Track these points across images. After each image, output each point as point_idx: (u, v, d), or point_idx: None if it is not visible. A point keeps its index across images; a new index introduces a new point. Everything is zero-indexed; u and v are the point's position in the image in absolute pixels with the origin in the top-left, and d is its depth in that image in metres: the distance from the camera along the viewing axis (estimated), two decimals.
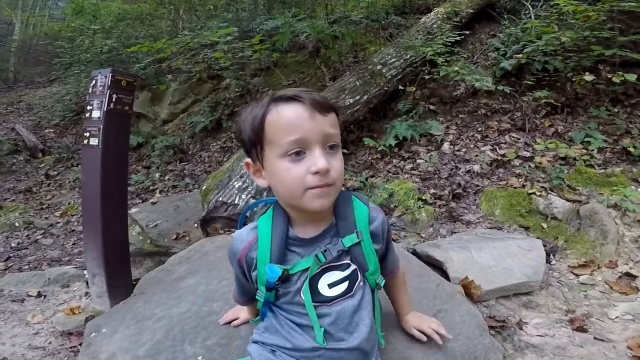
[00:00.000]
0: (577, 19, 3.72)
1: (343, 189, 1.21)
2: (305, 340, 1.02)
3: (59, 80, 10.38)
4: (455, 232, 2.84)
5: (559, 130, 3.57)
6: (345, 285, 1.02)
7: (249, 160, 1.01)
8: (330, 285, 1.01)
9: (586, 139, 3.33)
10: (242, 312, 1.47)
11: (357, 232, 1.01)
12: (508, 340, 1.91)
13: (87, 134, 2.36)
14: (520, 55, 3.90)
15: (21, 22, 14.05)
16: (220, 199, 2.88)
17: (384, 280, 1.12)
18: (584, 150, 3.24)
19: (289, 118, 0.89)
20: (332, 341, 1.01)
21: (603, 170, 3.05)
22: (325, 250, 0.99)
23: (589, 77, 3.39)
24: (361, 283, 1.04)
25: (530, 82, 3.78)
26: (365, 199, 1.09)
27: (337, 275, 1.02)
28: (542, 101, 3.68)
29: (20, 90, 11.37)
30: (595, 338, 1.88)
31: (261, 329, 1.15)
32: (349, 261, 1.02)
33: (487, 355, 1.47)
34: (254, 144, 0.96)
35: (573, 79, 3.60)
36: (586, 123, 3.51)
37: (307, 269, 0.98)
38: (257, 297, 1.08)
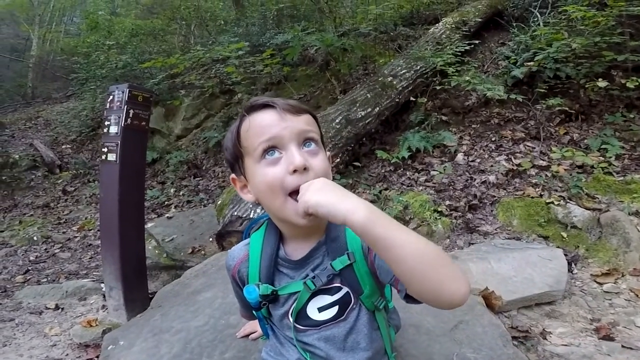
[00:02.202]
0: (587, 24, 3.71)
1: None
2: None
3: (75, 96, 10.57)
4: (472, 243, 2.81)
5: (575, 138, 3.53)
6: (334, 310, 0.96)
7: (234, 175, 0.98)
8: (320, 309, 0.97)
9: (603, 146, 3.28)
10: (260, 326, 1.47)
11: (348, 253, 0.93)
12: (532, 351, 1.87)
13: (105, 150, 2.39)
14: (532, 63, 3.87)
15: (38, 37, 14.42)
16: (236, 213, 2.89)
17: (383, 302, 1.00)
18: (602, 158, 3.19)
19: (259, 122, 0.87)
20: None
21: (622, 178, 2.99)
22: (314, 277, 0.93)
23: (602, 83, 3.35)
24: (354, 306, 0.97)
25: (542, 90, 3.75)
26: None
27: (326, 299, 0.96)
28: (556, 109, 3.65)
29: (38, 106, 11.62)
30: (623, 346, 1.84)
31: (268, 347, 1.14)
32: (340, 284, 0.95)
33: None
34: (235, 158, 0.93)
35: (586, 86, 3.57)
36: (602, 130, 3.47)
37: (296, 292, 0.95)
38: (253, 312, 1.07)
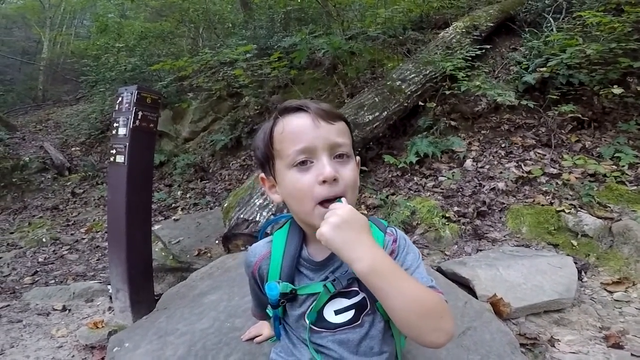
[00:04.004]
0: (602, 30, 3.67)
1: (364, 212, 1.10)
2: None
3: (85, 99, 10.70)
4: (480, 250, 2.78)
5: (587, 146, 3.48)
6: (350, 313, 0.97)
7: (263, 175, 1.00)
8: (337, 312, 0.98)
9: (616, 155, 3.23)
10: (266, 329, 1.45)
11: None
12: (540, 358, 1.85)
13: (114, 151, 2.40)
14: (544, 69, 3.83)
15: (49, 40, 14.58)
16: (242, 216, 2.88)
17: None
18: (614, 166, 3.15)
19: (293, 128, 0.88)
20: None
21: (635, 187, 2.95)
22: (334, 280, 0.94)
23: (617, 90, 3.29)
24: (370, 312, 0.98)
25: (554, 97, 3.70)
26: (382, 225, 1.02)
27: (343, 302, 0.97)
28: (568, 116, 3.59)
29: (48, 109, 11.77)
30: (632, 355, 1.82)
31: (278, 348, 1.14)
32: (357, 288, 0.96)
33: None
34: (267, 159, 0.95)
35: (600, 93, 3.52)
36: (615, 138, 3.41)
37: (315, 294, 0.96)
38: (267, 310, 1.08)
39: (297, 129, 0.88)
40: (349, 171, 0.90)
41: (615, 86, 3.35)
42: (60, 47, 15.37)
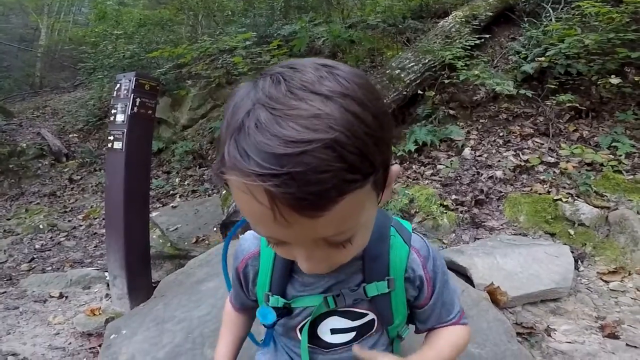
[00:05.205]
0: (601, 20, 3.65)
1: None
2: None
3: (83, 86, 10.61)
4: (478, 238, 2.79)
5: (584, 135, 3.48)
6: (351, 335, 0.82)
7: None
8: (334, 331, 0.82)
9: (613, 144, 3.24)
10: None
11: (388, 279, 0.76)
12: (536, 347, 1.86)
13: (112, 138, 2.39)
14: (542, 59, 3.81)
15: (47, 27, 14.44)
16: None
17: (407, 331, 0.90)
18: (611, 156, 3.15)
19: (247, 211, 0.52)
20: None
21: (632, 176, 2.96)
22: (338, 295, 0.77)
23: (615, 80, 3.30)
24: (374, 333, 0.84)
25: (553, 86, 3.70)
26: (407, 232, 0.81)
27: (343, 322, 0.81)
28: (566, 105, 3.59)
29: (46, 95, 11.66)
30: (627, 345, 1.83)
31: (267, 354, 0.99)
32: (366, 310, 0.80)
33: None
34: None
35: (598, 83, 3.52)
36: (612, 127, 3.42)
37: (312, 307, 0.79)
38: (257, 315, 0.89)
39: (254, 217, 0.53)
40: (348, 252, 0.62)
41: (613, 76, 3.36)
42: (58, 34, 15.19)
